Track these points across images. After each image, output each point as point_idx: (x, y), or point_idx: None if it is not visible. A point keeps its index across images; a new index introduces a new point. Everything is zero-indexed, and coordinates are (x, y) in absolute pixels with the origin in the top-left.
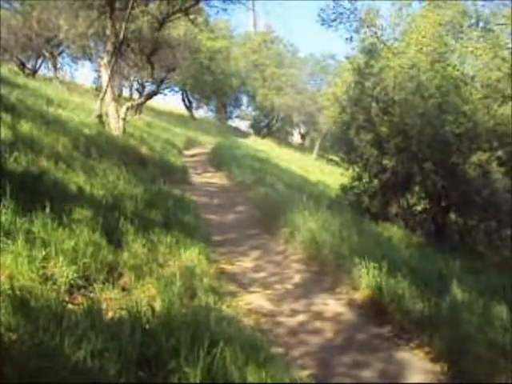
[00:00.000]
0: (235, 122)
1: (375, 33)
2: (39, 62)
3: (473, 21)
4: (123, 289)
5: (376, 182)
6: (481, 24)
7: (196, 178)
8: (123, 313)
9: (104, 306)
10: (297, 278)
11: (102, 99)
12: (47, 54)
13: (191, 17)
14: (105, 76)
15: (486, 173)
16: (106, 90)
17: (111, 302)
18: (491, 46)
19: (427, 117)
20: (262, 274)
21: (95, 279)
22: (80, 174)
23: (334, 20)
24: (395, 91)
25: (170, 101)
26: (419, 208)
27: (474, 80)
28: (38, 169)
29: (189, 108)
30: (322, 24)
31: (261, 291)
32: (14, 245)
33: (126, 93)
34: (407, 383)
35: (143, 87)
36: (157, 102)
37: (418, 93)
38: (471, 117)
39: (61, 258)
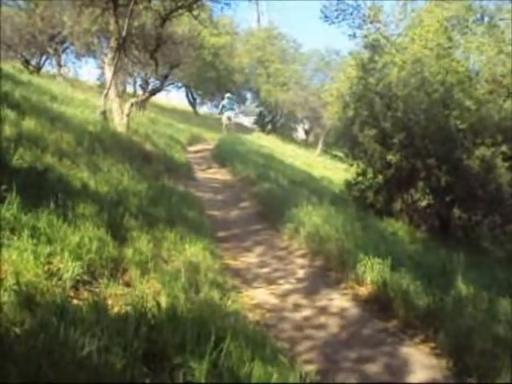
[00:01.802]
0: (239, 118)
1: (378, 28)
2: (43, 58)
3: (478, 16)
4: (128, 284)
5: (380, 177)
6: (486, 19)
7: (200, 174)
8: (128, 308)
9: (109, 301)
10: (301, 274)
11: (106, 96)
12: (51, 51)
13: (195, 13)
14: (108, 72)
15: (490, 168)
16: (109, 87)
17: (116, 297)
18: (496, 41)
19: (431, 112)
20: (266, 270)
21: (100, 275)
22: (84, 170)
23: (337, 17)
24: (399, 87)
25: (174, 97)
26: (423, 203)
27: (478, 75)
28: (43, 165)
29: (192, 104)
30: (325, 21)
31: (265, 286)
32: (19, 240)
33: (129, 89)
34: (407, 383)
35: (147, 83)
36: (160, 98)
37: (422, 88)
38: (475, 112)
39: (66, 254)
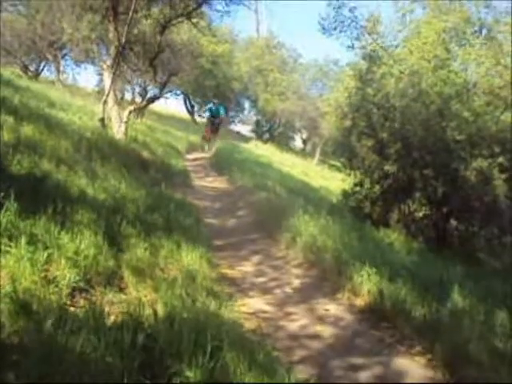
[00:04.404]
0: (237, 127)
1: (376, 39)
2: (42, 64)
3: (476, 28)
4: (125, 292)
5: (377, 187)
6: (484, 31)
7: (197, 182)
8: (125, 316)
9: (106, 309)
10: (297, 283)
11: (105, 102)
12: (50, 57)
13: (194, 21)
14: (107, 79)
15: (487, 179)
16: (108, 94)
17: (113, 305)
18: (494, 53)
19: (428, 123)
20: (262, 279)
21: (97, 282)
22: (82, 177)
23: (335, 28)
24: (396, 98)
25: (172, 105)
26: (420, 214)
27: (476, 87)
28: (41, 171)
29: (191, 112)
30: (324, 33)
31: (261, 296)
32: (16, 247)
33: (128, 96)
34: (407, 383)
35: (145, 91)
36: (159, 105)
37: (420, 99)
38: (473, 123)
39: (63, 261)
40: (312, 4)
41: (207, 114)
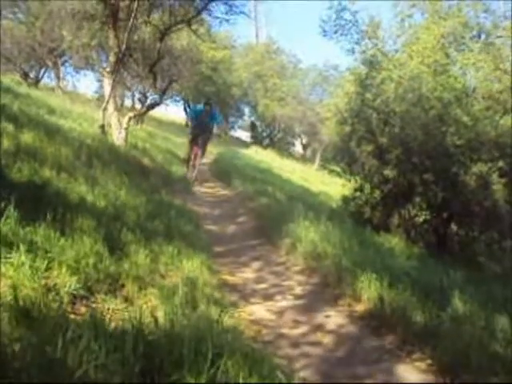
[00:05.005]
0: (237, 132)
1: (376, 44)
2: (42, 71)
3: (474, 33)
4: (126, 299)
5: (377, 192)
6: (482, 36)
7: (197, 188)
8: (126, 324)
9: (107, 316)
10: (298, 290)
11: (105, 109)
12: (50, 64)
13: (193, 27)
14: (107, 86)
15: (487, 184)
16: (108, 100)
17: (114, 312)
18: (492, 58)
19: (428, 128)
20: (263, 285)
21: (97, 290)
22: (82, 184)
23: (336, 32)
24: (396, 102)
25: (172, 111)
26: (421, 219)
27: (475, 92)
28: (41, 179)
29: None
30: (324, 35)
31: (262, 302)
32: (16, 255)
33: (128, 103)
34: (407, 383)
35: (145, 97)
36: (159, 112)
37: (419, 104)
38: (472, 128)
39: (63, 269)
40: (311, 9)
41: (193, 121)
